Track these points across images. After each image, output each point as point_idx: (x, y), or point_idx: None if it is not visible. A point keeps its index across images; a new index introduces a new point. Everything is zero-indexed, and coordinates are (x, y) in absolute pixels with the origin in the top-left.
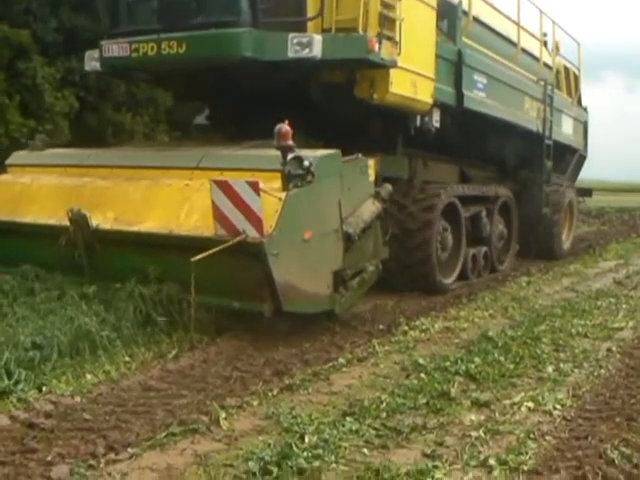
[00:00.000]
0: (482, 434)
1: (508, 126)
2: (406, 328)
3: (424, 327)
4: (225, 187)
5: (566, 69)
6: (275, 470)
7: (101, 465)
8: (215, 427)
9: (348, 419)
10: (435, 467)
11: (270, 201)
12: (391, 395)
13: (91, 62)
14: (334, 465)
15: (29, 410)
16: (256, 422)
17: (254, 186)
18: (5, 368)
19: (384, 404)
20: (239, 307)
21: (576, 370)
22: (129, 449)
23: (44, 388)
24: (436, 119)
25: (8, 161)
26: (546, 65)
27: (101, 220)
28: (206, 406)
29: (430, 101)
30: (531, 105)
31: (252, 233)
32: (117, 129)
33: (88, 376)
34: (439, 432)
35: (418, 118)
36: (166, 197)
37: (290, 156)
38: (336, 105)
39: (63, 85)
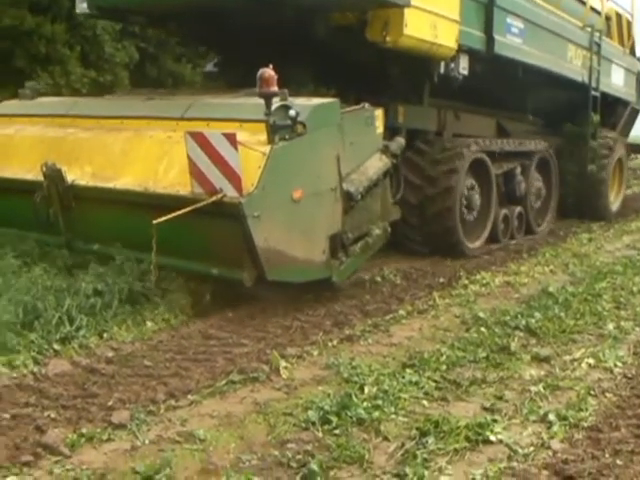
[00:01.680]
0: (542, 389)
1: (549, 76)
2: (466, 282)
3: (484, 281)
4: (201, 140)
5: (618, 15)
6: (335, 420)
7: (161, 411)
8: (275, 376)
9: (408, 371)
10: (494, 421)
11: (253, 156)
12: (451, 348)
13: (81, 4)
14: (393, 416)
15: (90, 356)
16: (316, 372)
17: (231, 138)
18: (67, 314)
19: (444, 357)
20: (217, 274)
21: (637, 328)
22: (189, 396)
23: (105, 334)
24: (463, 66)
25: None
26: (594, 10)
27: (78, 175)
28: (266, 355)
29: (454, 46)
30: (575, 53)
31: (230, 192)
32: (177, 80)
33: (148, 323)
34: (498, 386)
35: (442, 65)
36: (146, 150)
37: (275, 105)
38: (347, 49)
39: (123, 36)
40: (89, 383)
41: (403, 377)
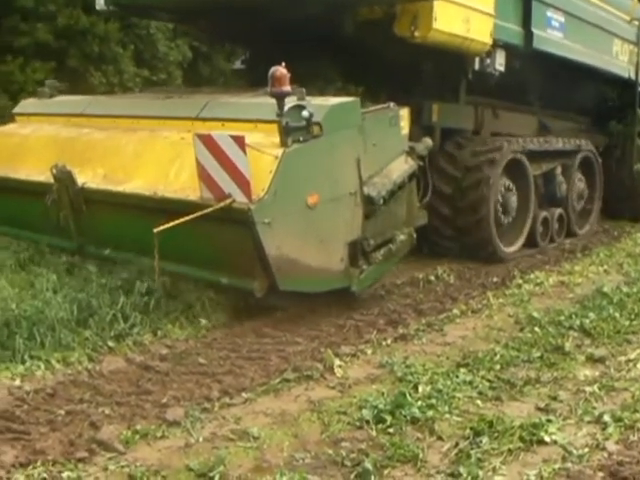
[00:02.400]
0: (597, 390)
1: (593, 72)
2: (520, 281)
3: (538, 281)
4: (209, 142)
5: None
6: (389, 419)
7: (215, 409)
8: (329, 374)
9: (462, 370)
10: (549, 421)
11: (264, 159)
12: (505, 348)
13: (100, 0)
14: (447, 415)
15: (144, 353)
16: (370, 370)
17: (239, 141)
18: (121, 312)
19: (498, 356)
20: (227, 284)
21: None
22: (243, 394)
23: (159, 332)
24: (500, 62)
25: (15, 110)
26: None
27: (90, 177)
28: (320, 353)
29: (488, 41)
30: (622, 48)
31: (239, 197)
32: (228, 78)
33: (202, 321)
34: (553, 386)
35: (477, 60)
36: (159, 152)
37: (288, 105)
38: (376, 45)
39: (176, 35)
40: (143, 380)
41: (457, 376)
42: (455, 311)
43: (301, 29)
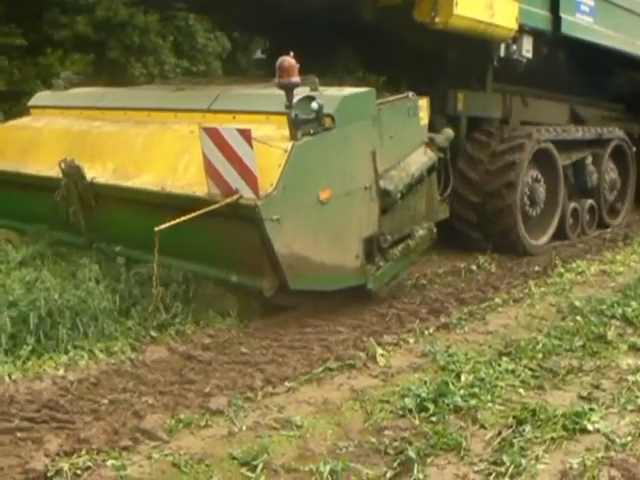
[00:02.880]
0: (639, 378)
1: (625, 58)
2: (562, 270)
3: (580, 270)
4: (215, 136)
5: None
6: (432, 407)
7: (258, 397)
8: (371, 363)
9: (504, 359)
10: (591, 410)
11: (273, 153)
12: (547, 336)
13: None
14: (490, 404)
15: (187, 343)
16: (412, 359)
17: (245, 134)
18: (163, 302)
19: (540, 345)
20: (236, 282)
21: None
22: (286, 383)
23: (201, 322)
24: (527, 48)
25: (30, 102)
26: None
27: (99, 172)
28: (362, 342)
29: (514, 26)
30: None
31: (247, 193)
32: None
33: (243, 310)
34: (595, 375)
35: (502, 47)
36: (168, 146)
37: (297, 97)
38: (397, 33)
39: (215, 26)
40: (186, 369)
41: (499, 365)
42: (497, 300)
43: (320, 17)
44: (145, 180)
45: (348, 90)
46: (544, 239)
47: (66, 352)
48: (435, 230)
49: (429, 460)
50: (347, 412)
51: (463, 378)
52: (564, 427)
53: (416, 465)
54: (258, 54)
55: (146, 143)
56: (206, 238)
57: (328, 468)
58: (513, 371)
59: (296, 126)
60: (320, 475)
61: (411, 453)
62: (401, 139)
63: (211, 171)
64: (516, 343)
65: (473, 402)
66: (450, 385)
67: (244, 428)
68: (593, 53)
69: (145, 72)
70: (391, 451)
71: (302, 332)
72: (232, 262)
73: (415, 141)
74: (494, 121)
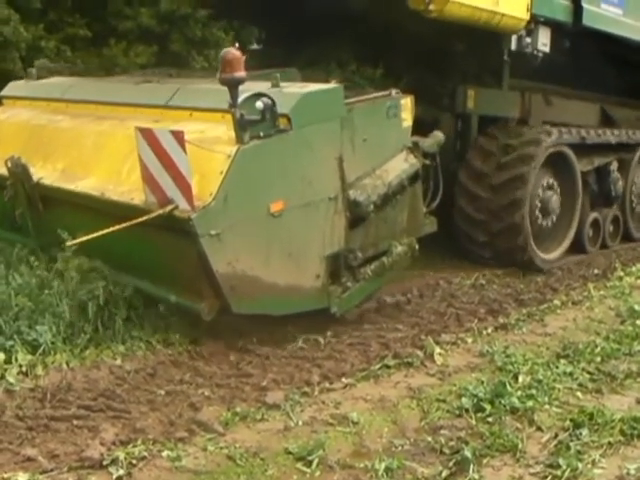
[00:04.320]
0: None
1: None
2: (622, 274)
3: None
4: (150, 138)
5: None
6: (488, 408)
7: (315, 393)
8: (429, 362)
9: (562, 361)
10: None
11: (216, 159)
12: (606, 340)
13: None
14: (547, 406)
15: (245, 336)
16: (470, 359)
17: (178, 137)
18: None
19: (598, 348)
20: (176, 302)
21: None
22: (343, 379)
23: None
24: (543, 41)
25: (3, 92)
26: None
27: (49, 172)
28: (420, 341)
29: (524, 16)
30: None
31: (183, 204)
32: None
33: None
34: None
35: (513, 39)
36: (118, 146)
37: (243, 95)
38: (393, 23)
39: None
40: (243, 363)
41: (557, 367)
42: (556, 302)
43: (314, 7)
44: (89, 183)
45: (311, 87)
46: (558, 252)
47: (123, 342)
48: (417, 246)
49: (485, 461)
50: (403, 410)
51: (520, 379)
52: (622, 432)
53: (472, 465)
54: (255, 45)
55: (97, 142)
56: (145, 253)
57: (383, 465)
58: (571, 374)
59: (242, 128)
60: (375, 472)
61: (467, 453)
62: (377, 143)
63: (147, 177)
64: (574, 346)
65: (530, 404)
66: (507, 386)
67: (300, 423)
68: (626, 48)
69: (207, 65)
70: (447, 450)
71: (360, 329)
72: (171, 280)
73: (395, 145)
74: (511, 121)
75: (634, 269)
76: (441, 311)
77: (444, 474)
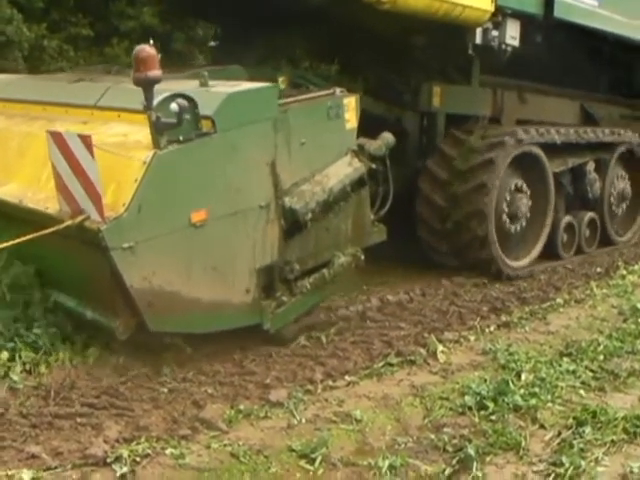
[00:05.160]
0: None
1: None
2: (624, 272)
3: None
4: (60, 142)
5: None
6: (491, 405)
7: (318, 391)
8: (432, 360)
9: (565, 359)
10: None
11: (131, 165)
12: (608, 338)
13: None
14: (550, 404)
15: (247, 334)
16: (473, 357)
17: (86, 141)
18: None
19: (601, 347)
20: (91, 318)
21: None
22: (346, 377)
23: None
24: (512, 34)
25: None
26: None
27: None
28: (423, 339)
29: (489, 8)
30: None
31: (94, 214)
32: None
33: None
34: None
35: (478, 32)
36: (41, 149)
37: (160, 96)
38: (348, 17)
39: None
40: (246, 361)
41: (560, 365)
42: (558, 300)
43: (267, 2)
44: (9, 189)
45: (241, 86)
46: (527, 260)
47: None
48: (362, 256)
49: (488, 459)
50: (406, 408)
51: (523, 377)
52: (625, 430)
53: (475, 463)
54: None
55: (22, 145)
56: (62, 265)
57: (387, 463)
58: (574, 372)
59: (158, 131)
60: (379, 470)
61: (470, 451)
62: (317, 146)
63: (60, 185)
64: (577, 344)
65: (533, 402)
66: (510, 384)
67: (303, 421)
68: (604, 42)
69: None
70: (450, 448)
71: (363, 327)
72: (87, 295)
73: (337, 149)
74: (482, 120)
75: (637, 267)
76: (444, 309)
77: (447, 472)
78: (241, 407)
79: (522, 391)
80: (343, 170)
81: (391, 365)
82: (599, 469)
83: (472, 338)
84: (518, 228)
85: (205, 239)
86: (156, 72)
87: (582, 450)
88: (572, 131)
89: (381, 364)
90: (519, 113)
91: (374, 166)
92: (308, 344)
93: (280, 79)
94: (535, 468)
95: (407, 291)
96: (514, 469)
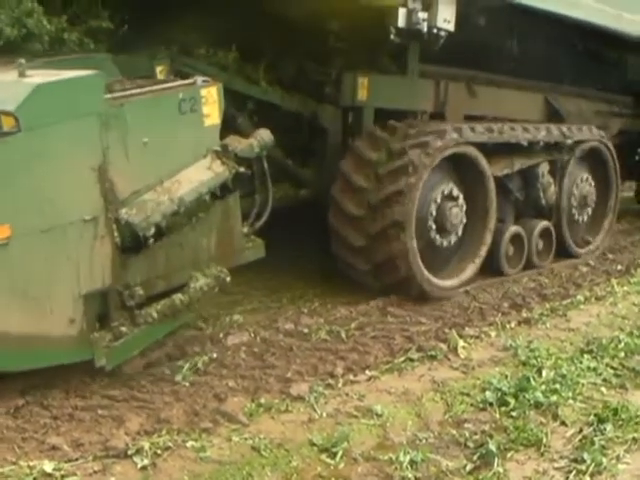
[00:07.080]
0: None
1: (616, 37)
2: None
3: None
4: None
5: None
6: (512, 402)
7: (339, 385)
8: (453, 355)
9: (586, 356)
10: None
11: None
12: (629, 335)
13: None
14: (571, 401)
15: (269, 328)
16: (493, 353)
17: None
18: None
19: (622, 344)
20: None
21: None
22: (367, 371)
23: (281, 309)
24: (445, 17)
25: None
26: None
27: None
28: (444, 334)
29: None
30: None
31: None
32: None
33: (327, 299)
34: None
35: (401, 14)
36: None
37: None
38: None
39: None
40: (268, 354)
41: (581, 362)
42: (579, 297)
43: None
44: None
45: (58, 76)
46: (462, 277)
47: None
48: (228, 278)
49: (509, 455)
50: (427, 403)
51: (544, 374)
52: None
53: (496, 459)
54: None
55: None
56: None
57: (408, 458)
58: (595, 369)
59: None
60: (400, 465)
61: (491, 447)
62: (165, 147)
63: None
64: (598, 341)
65: (554, 398)
66: (531, 380)
67: (324, 415)
68: (571, 27)
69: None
70: (471, 444)
71: (384, 322)
72: None
73: (193, 150)
74: (421, 115)
75: None
76: (465, 305)
77: (468, 467)
78: (262, 400)
79: (543, 387)
80: (200, 175)
81: (412, 360)
82: (620, 466)
83: (493, 334)
84: (450, 242)
85: (9, 260)
86: None
87: (603, 447)
88: (519, 128)
89: (402, 359)
90: (468, 108)
91: (243, 170)
92: (328, 338)
93: (158, 69)
94: (556, 465)
95: None
96: (535, 465)
